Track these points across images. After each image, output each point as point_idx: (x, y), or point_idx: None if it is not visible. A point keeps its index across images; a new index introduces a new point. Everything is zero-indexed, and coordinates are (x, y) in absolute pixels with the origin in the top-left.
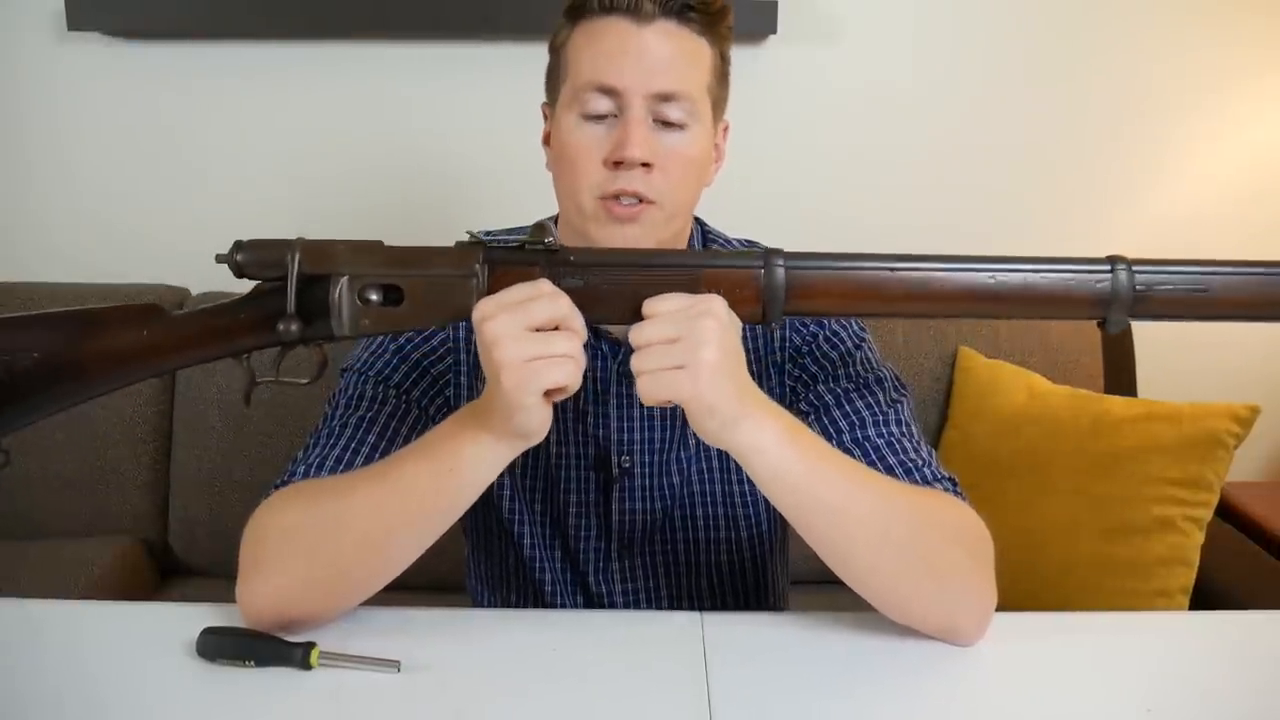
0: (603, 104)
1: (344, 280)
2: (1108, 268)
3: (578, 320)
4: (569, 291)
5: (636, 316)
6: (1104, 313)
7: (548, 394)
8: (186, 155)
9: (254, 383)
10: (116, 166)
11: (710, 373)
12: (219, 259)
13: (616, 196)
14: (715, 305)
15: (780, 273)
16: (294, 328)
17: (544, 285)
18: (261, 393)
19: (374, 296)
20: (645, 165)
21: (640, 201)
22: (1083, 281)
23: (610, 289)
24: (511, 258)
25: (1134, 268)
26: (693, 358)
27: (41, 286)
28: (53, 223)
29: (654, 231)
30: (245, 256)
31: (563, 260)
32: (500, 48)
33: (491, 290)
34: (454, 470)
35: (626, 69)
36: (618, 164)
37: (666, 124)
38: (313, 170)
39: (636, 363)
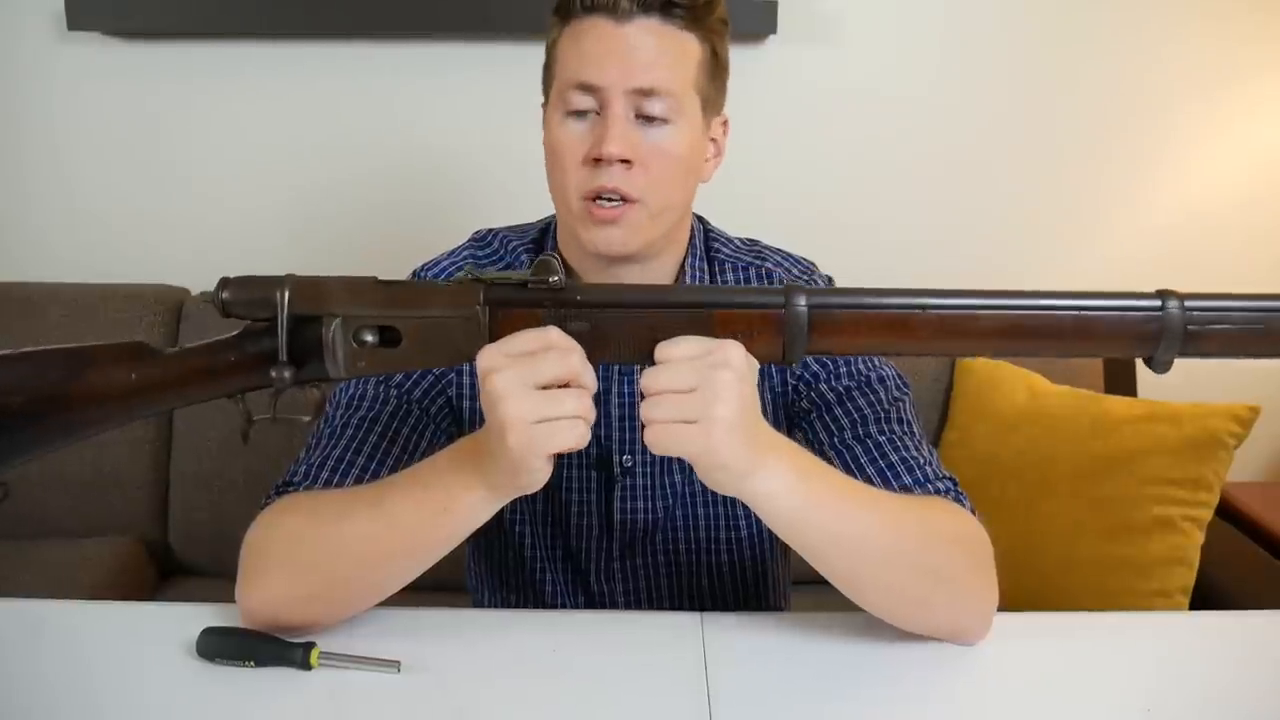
0: (584, 102)
1: (337, 322)
2: (1158, 303)
3: (589, 375)
4: (575, 335)
5: (647, 358)
6: (1151, 351)
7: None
8: (187, 155)
9: (250, 421)
10: (117, 166)
11: (724, 430)
12: (203, 298)
13: (597, 196)
14: (733, 354)
15: (802, 311)
16: (287, 375)
17: (553, 335)
18: (264, 390)
19: (370, 338)
20: (625, 162)
21: (623, 201)
22: (1129, 318)
23: (620, 330)
24: (514, 297)
25: (1186, 303)
26: (706, 413)
27: (41, 286)
28: (52, 222)
29: (638, 231)
30: (232, 295)
31: (569, 300)
32: (500, 47)
33: (494, 333)
34: (447, 512)
35: (606, 66)
36: (597, 161)
37: (649, 120)
38: (312, 169)
39: (646, 411)
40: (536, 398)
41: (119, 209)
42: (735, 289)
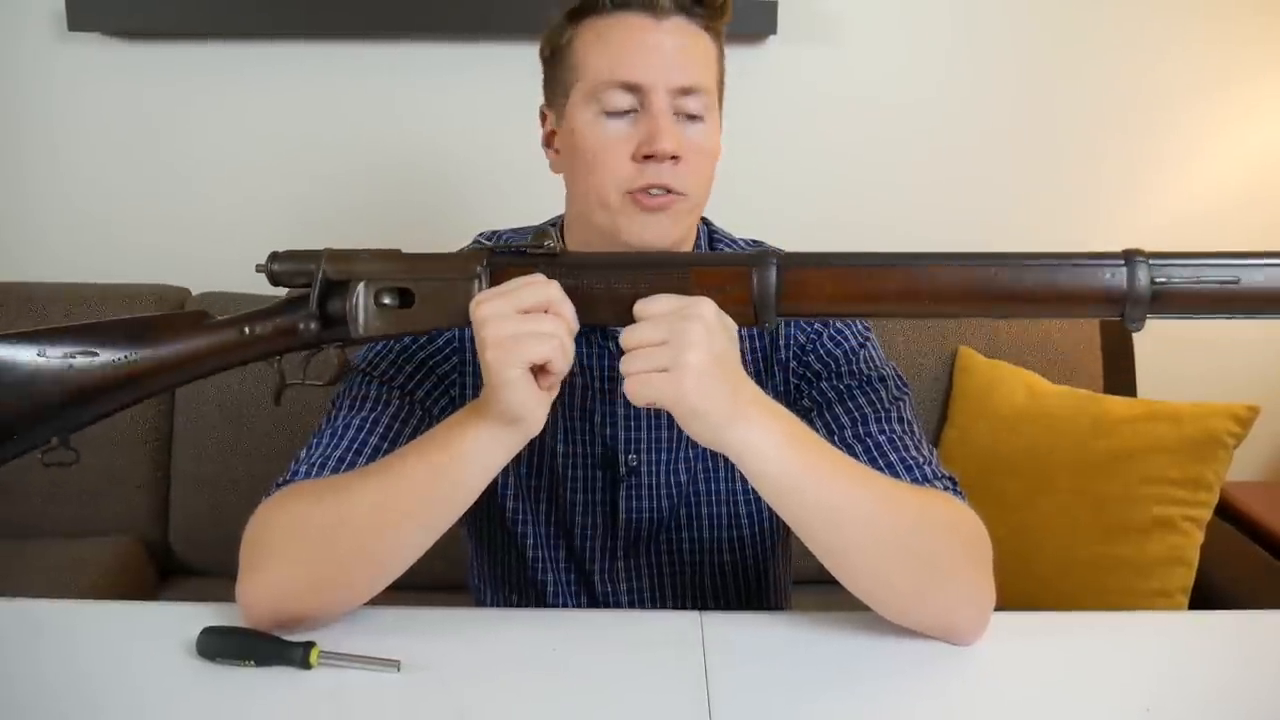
0: (624, 100)
1: (362, 284)
2: (1121, 262)
3: (567, 307)
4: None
5: (631, 319)
6: (1120, 310)
7: (539, 377)
8: (187, 155)
9: (284, 384)
10: (117, 166)
11: (694, 376)
12: (259, 269)
13: (645, 190)
14: (704, 308)
15: (772, 273)
16: (313, 325)
17: (538, 276)
18: (265, 391)
19: (388, 299)
20: (674, 158)
21: (668, 192)
22: (1095, 276)
23: (604, 291)
24: (513, 261)
25: (1152, 261)
26: (677, 361)
27: (41, 286)
28: (52, 223)
29: (680, 222)
30: (280, 266)
31: (559, 263)
32: (499, 48)
33: None
34: (451, 462)
35: (649, 64)
36: (647, 158)
37: (689, 118)
38: (312, 169)
39: (624, 364)
40: (515, 319)
41: (119, 209)
42: (712, 253)
